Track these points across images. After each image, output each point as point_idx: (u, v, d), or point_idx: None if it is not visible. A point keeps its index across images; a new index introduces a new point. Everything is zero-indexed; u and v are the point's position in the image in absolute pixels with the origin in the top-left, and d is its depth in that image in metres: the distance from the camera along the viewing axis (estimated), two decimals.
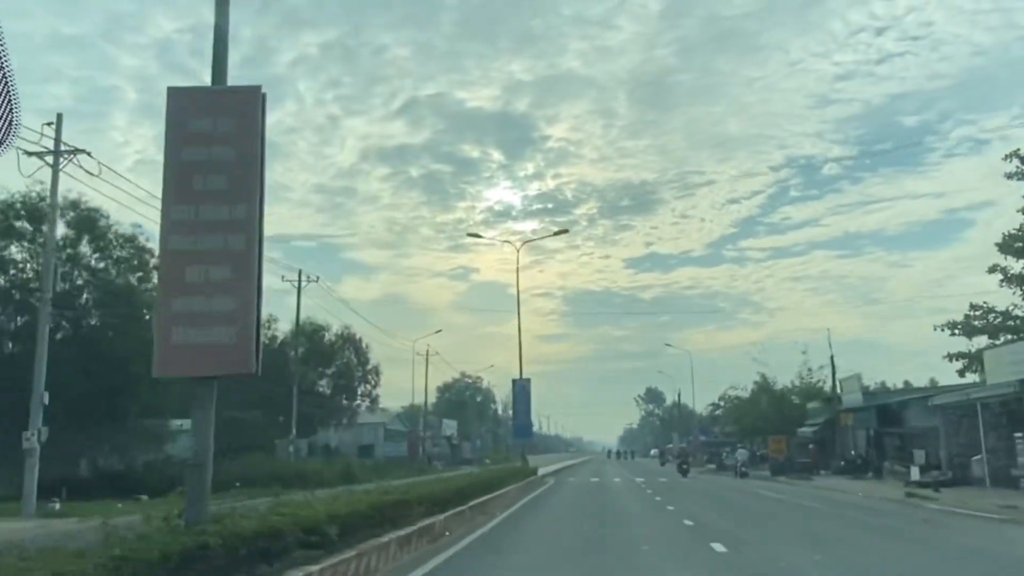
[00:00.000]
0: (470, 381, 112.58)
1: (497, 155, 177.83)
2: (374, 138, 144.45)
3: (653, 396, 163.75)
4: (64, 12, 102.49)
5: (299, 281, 41.24)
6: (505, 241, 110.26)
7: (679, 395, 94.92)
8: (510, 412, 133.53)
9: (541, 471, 40.47)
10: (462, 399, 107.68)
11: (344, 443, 58.86)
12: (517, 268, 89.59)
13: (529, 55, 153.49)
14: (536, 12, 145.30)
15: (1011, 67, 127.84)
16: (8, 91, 1.61)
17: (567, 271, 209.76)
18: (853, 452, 39.69)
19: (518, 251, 50.90)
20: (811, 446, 44.16)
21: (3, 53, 1.52)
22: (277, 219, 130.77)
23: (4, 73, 1.59)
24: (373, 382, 55.56)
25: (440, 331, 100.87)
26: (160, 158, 8.38)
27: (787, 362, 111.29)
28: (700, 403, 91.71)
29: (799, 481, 35.82)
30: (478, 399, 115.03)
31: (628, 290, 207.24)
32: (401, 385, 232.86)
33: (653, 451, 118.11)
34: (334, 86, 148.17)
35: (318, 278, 42.55)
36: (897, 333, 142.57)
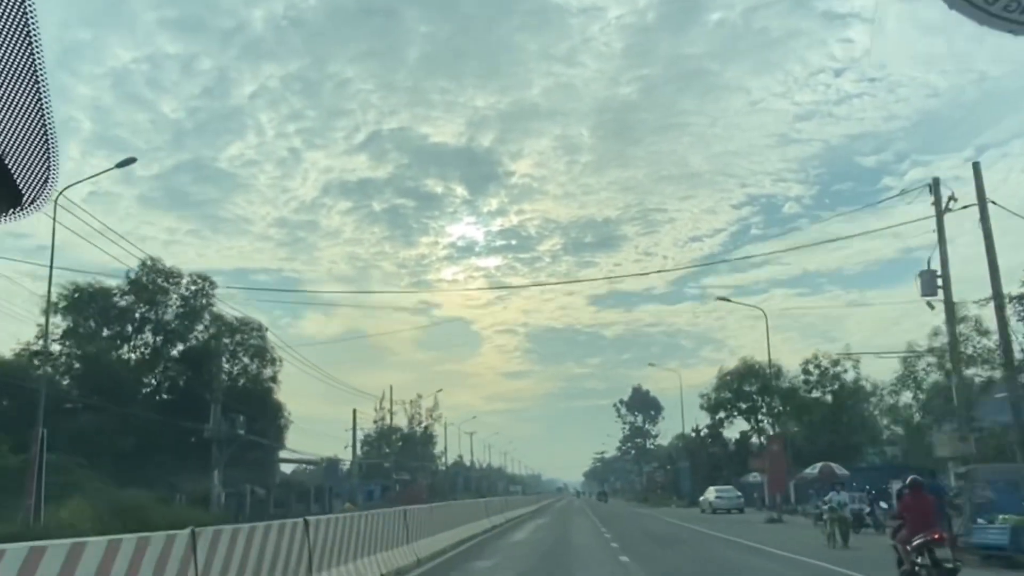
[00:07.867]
0: None
1: (461, 190, 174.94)
2: (336, 172, 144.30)
3: (643, 403, 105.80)
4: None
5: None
6: None
7: None
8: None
9: None
10: None
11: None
12: None
13: (493, 90, 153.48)
14: (502, 47, 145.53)
15: (964, 109, 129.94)
16: (48, 139, 1.31)
17: (530, 307, 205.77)
18: None
19: None
20: None
21: (46, 101, 1.30)
22: (237, 253, 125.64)
23: (44, 118, 1.29)
24: None
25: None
26: (115, 189, 7.16)
27: None
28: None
29: None
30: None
31: (591, 327, 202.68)
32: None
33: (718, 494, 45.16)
34: (296, 119, 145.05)
35: None
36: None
